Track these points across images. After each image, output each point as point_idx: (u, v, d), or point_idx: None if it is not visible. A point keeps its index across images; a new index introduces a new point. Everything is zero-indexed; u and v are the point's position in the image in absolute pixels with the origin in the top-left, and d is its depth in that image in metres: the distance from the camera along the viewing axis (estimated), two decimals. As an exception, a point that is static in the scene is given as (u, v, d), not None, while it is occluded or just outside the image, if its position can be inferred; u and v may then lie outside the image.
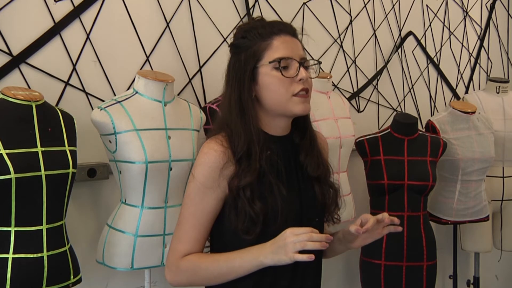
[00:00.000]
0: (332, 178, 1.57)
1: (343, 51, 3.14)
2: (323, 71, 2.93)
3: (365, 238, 1.47)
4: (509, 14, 4.14)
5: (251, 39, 1.46)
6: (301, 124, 1.54)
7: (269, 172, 1.43)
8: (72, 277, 1.90)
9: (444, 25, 3.70)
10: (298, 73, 1.44)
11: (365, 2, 3.25)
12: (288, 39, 1.46)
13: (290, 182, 1.47)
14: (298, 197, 1.48)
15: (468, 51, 3.86)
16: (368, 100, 3.28)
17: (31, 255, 1.78)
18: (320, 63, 1.57)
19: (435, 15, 3.64)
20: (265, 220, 1.40)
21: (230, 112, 1.46)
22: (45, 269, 1.80)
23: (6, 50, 2.08)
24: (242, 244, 1.43)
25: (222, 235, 1.49)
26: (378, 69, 3.32)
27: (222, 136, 1.46)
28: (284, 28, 1.47)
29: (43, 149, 1.82)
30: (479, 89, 3.83)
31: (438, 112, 3.48)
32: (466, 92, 3.81)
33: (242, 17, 2.70)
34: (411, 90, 3.51)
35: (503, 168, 3.30)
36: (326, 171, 1.55)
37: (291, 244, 1.30)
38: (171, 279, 1.48)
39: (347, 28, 3.16)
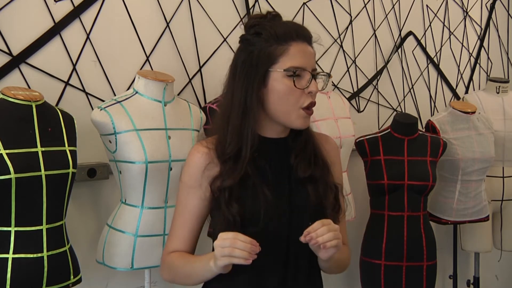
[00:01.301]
0: (332, 177, 1.52)
1: (343, 51, 3.14)
2: (322, 70, 2.93)
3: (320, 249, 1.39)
4: (509, 14, 4.14)
5: (266, 39, 1.41)
6: None
7: (253, 174, 1.41)
8: (72, 277, 1.90)
9: (444, 25, 3.70)
10: (309, 85, 1.42)
11: (365, 2, 3.25)
12: (304, 47, 1.43)
13: (278, 185, 1.45)
14: (287, 200, 1.45)
15: (468, 51, 3.86)
16: (368, 100, 3.28)
17: (31, 255, 1.78)
18: (329, 75, 1.55)
19: (435, 15, 3.64)
20: (243, 222, 1.39)
21: (231, 110, 1.44)
22: (45, 269, 1.80)
23: (6, 50, 2.08)
24: None
25: (214, 237, 1.49)
26: (378, 69, 3.32)
27: (211, 138, 1.48)
28: (302, 34, 1.44)
29: (43, 149, 1.82)
30: (479, 89, 3.83)
31: (438, 112, 3.47)
32: (466, 92, 3.81)
33: (242, 17, 2.70)
34: (411, 90, 3.51)
35: (503, 168, 3.30)
36: (322, 170, 1.50)
37: (219, 249, 1.31)
38: (161, 274, 1.54)
39: (347, 28, 3.16)
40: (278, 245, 1.43)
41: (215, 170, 1.43)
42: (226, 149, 1.42)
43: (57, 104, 2.18)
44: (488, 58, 3.99)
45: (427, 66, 3.61)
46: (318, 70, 1.50)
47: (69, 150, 1.90)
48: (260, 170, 1.43)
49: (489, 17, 3.99)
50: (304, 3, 2.97)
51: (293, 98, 1.42)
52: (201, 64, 2.58)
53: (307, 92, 1.42)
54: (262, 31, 1.42)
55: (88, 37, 2.26)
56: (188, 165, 1.48)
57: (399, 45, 3.43)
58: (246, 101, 1.42)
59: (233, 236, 1.30)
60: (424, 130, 3.05)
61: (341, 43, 3.13)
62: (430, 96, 3.63)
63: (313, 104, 1.45)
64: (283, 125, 1.47)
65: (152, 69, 2.41)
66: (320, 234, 1.32)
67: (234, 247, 1.29)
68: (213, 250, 1.53)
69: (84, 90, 2.26)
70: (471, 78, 3.88)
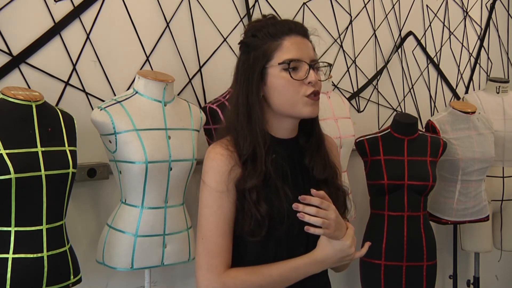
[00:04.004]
0: (339, 180, 1.54)
1: (343, 51, 3.14)
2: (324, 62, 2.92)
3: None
4: (509, 14, 4.14)
5: (261, 39, 1.43)
6: (308, 126, 1.52)
7: (274, 175, 1.42)
8: (72, 277, 1.90)
9: (444, 25, 3.70)
10: (307, 75, 1.42)
11: (365, 2, 3.25)
12: (299, 40, 1.44)
13: (296, 185, 1.46)
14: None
15: (468, 51, 3.86)
16: (368, 100, 3.28)
17: (31, 255, 1.78)
18: (330, 65, 1.54)
19: (435, 15, 3.64)
20: (271, 222, 1.40)
21: (237, 113, 1.45)
22: (45, 269, 1.80)
23: (6, 50, 2.08)
24: (248, 248, 1.43)
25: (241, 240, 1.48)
26: (378, 69, 3.32)
27: (227, 140, 1.46)
28: (295, 28, 1.45)
29: (43, 149, 1.82)
30: (479, 89, 3.83)
31: (438, 112, 3.48)
32: (466, 92, 3.81)
33: (242, 17, 2.70)
34: (411, 90, 3.51)
35: (503, 168, 3.30)
36: (333, 173, 1.52)
37: (352, 252, 1.42)
38: None
39: (347, 28, 3.16)
40: (300, 245, 1.44)
41: (238, 172, 1.42)
42: (242, 151, 1.42)
43: (57, 104, 2.18)
44: (488, 58, 3.99)
45: (427, 66, 3.61)
46: (321, 61, 1.49)
47: (69, 150, 1.90)
48: (280, 171, 1.44)
49: (489, 17, 3.99)
50: (304, 3, 2.97)
51: (292, 89, 1.42)
52: (201, 64, 2.58)
53: (306, 82, 1.42)
54: (257, 33, 1.45)
55: (88, 37, 2.26)
56: (213, 170, 1.42)
57: (399, 45, 3.43)
58: (248, 102, 1.43)
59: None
60: (424, 130, 3.05)
61: (341, 43, 3.13)
62: (430, 96, 3.63)
63: (316, 92, 1.44)
64: (293, 119, 1.47)
65: (152, 69, 2.41)
66: (306, 210, 1.34)
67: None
68: None
69: (84, 90, 2.26)
70: (471, 78, 3.88)
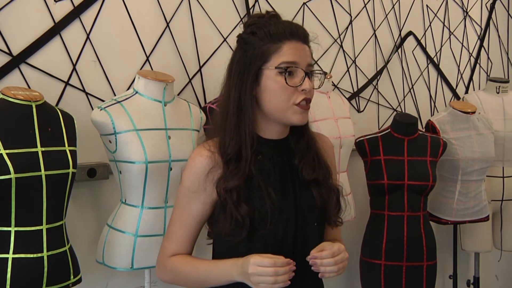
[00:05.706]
0: (332, 179, 1.53)
1: (343, 51, 3.14)
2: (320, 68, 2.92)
3: None
4: (509, 14, 4.14)
5: (261, 38, 1.42)
6: (299, 127, 1.50)
7: (258, 176, 1.41)
8: (72, 277, 1.90)
9: (444, 25, 3.70)
10: (302, 83, 1.41)
11: (365, 2, 3.25)
12: (298, 46, 1.43)
13: (283, 186, 1.45)
14: (292, 202, 1.46)
15: (468, 51, 3.86)
16: (368, 100, 3.28)
17: (31, 255, 1.78)
18: (325, 73, 1.54)
19: (435, 15, 3.64)
20: (252, 223, 1.39)
21: (226, 112, 1.45)
22: (45, 269, 1.80)
23: (6, 50, 2.08)
24: (231, 249, 1.43)
25: (216, 240, 1.51)
26: (378, 69, 3.32)
27: (213, 140, 1.46)
28: (296, 33, 1.43)
29: (43, 149, 1.82)
30: (479, 89, 3.83)
31: (438, 112, 3.48)
32: (466, 92, 3.81)
33: (242, 17, 2.70)
34: (411, 90, 3.51)
35: (503, 168, 3.30)
36: (325, 173, 1.51)
37: (257, 277, 1.31)
38: (159, 276, 1.53)
39: (347, 28, 3.16)
40: (285, 247, 1.44)
41: (219, 173, 1.42)
42: (226, 150, 1.42)
43: (57, 104, 2.18)
44: (488, 58, 3.99)
45: (427, 66, 3.61)
46: (316, 68, 1.50)
47: (69, 150, 1.90)
48: (265, 172, 1.43)
49: (489, 17, 3.99)
50: (304, 3, 2.96)
51: (285, 95, 1.41)
52: (201, 64, 2.58)
53: (300, 90, 1.42)
54: (257, 31, 1.43)
55: (88, 37, 2.26)
56: (190, 170, 1.45)
57: (399, 45, 3.43)
58: (240, 100, 1.43)
59: (273, 264, 1.31)
60: (424, 130, 3.05)
61: (341, 43, 3.13)
62: (430, 96, 3.63)
63: (307, 100, 1.44)
64: (282, 124, 1.47)
65: (152, 69, 2.41)
66: (324, 264, 1.37)
67: (276, 276, 1.30)
68: (213, 251, 1.54)
69: (84, 90, 2.26)
70: (471, 78, 3.88)
